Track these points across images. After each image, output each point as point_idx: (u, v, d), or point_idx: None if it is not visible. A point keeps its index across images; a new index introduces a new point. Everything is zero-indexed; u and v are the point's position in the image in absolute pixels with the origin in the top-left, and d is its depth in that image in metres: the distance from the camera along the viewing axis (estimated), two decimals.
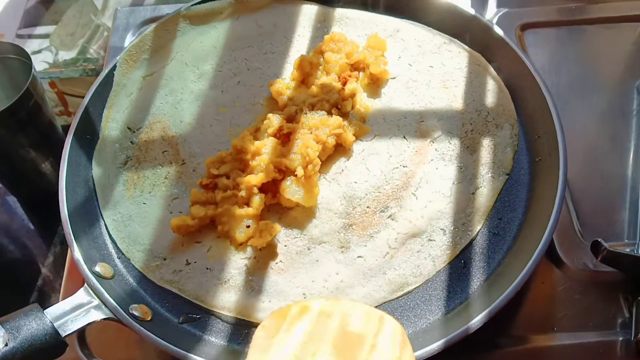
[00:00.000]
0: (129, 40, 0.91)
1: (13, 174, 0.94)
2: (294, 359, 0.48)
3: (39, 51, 1.11)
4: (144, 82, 0.78)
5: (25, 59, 0.84)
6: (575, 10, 0.92)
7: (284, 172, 0.67)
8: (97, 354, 0.64)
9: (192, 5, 0.83)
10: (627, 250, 0.69)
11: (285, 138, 0.69)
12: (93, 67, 1.08)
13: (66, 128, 0.96)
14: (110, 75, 0.77)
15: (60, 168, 0.68)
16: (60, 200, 0.65)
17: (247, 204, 0.65)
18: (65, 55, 1.09)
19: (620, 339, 0.63)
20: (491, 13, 0.92)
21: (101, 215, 0.68)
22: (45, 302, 0.87)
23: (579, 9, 0.92)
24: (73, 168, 0.69)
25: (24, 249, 1.09)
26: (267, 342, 0.49)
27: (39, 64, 1.08)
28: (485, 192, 0.67)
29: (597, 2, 0.94)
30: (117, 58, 0.78)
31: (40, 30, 1.15)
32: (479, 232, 0.65)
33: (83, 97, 1.10)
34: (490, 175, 0.68)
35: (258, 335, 0.49)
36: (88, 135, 0.73)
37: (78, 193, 0.68)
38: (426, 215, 0.66)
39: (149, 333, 0.57)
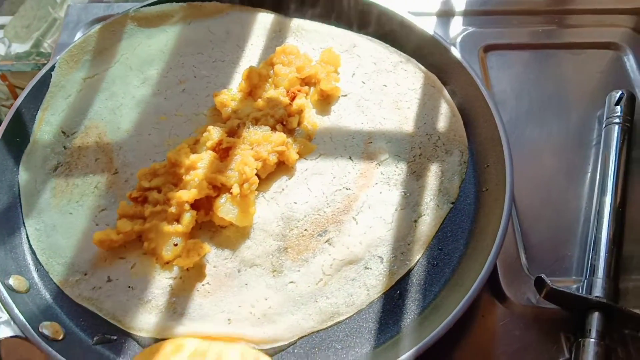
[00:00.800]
0: (78, 37, 0.87)
1: None
2: None
3: None
4: (84, 84, 0.75)
5: None
6: (542, 34, 0.90)
7: (219, 188, 0.64)
8: None
9: (142, 7, 0.79)
10: (574, 287, 0.66)
11: (224, 153, 0.66)
12: (45, 61, 1.04)
13: None
14: (47, 76, 0.73)
15: None
16: None
17: (177, 221, 0.62)
18: (18, 47, 1.05)
19: None
20: (455, 31, 0.90)
21: (23, 223, 0.65)
22: None
23: (546, 33, 0.90)
24: None
25: None
26: None
27: None
28: (427, 220, 0.65)
29: (566, 26, 0.92)
30: (57, 58, 0.74)
31: None
32: (417, 262, 0.62)
33: None
34: (434, 203, 0.66)
35: None
36: (18, 137, 0.69)
37: (0, 199, 0.64)
38: (365, 241, 0.63)
39: (57, 354, 0.54)
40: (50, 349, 0.54)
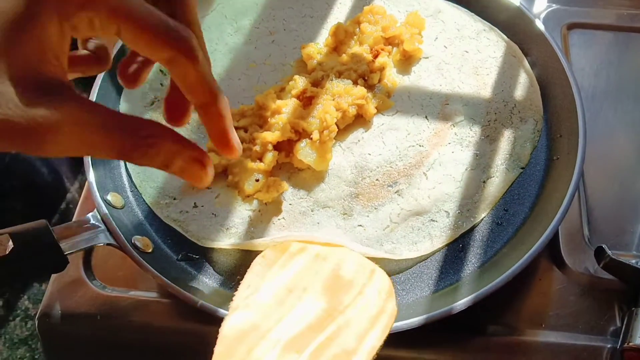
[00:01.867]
0: None
1: None
2: (284, 290, 0.52)
3: None
4: None
5: None
6: (626, 17, 0.90)
7: (300, 133, 0.68)
8: (99, 277, 0.68)
9: None
10: (633, 262, 0.68)
11: (307, 101, 0.71)
12: None
13: None
14: None
15: (90, 97, 0.71)
16: None
17: (260, 159, 0.67)
18: None
19: (608, 346, 0.63)
20: (540, 7, 0.91)
21: None
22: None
23: (631, 16, 0.90)
24: (102, 100, 0.72)
25: (54, 173, 1.14)
26: (263, 270, 0.52)
27: None
28: (496, 182, 0.67)
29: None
30: None
31: None
32: (482, 219, 0.65)
33: None
34: (504, 166, 0.68)
35: (257, 262, 0.53)
36: None
37: None
38: (433, 195, 0.66)
39: (146, 264, 0.60)
40: (141, 259, 0.60)
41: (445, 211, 0.65)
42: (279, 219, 0.66)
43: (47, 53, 0.37)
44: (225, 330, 0.48)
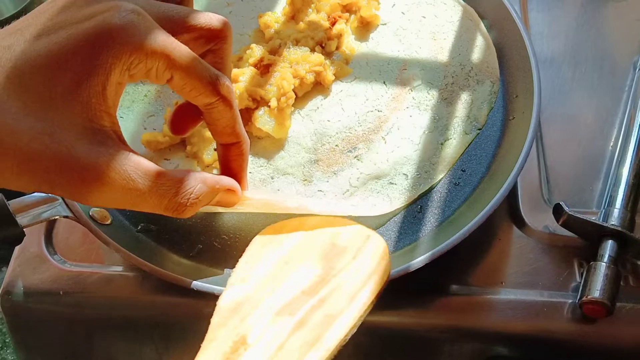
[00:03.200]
0: None
1: None
2: (281, 263, 0.52)
3: None
4: None
5: None
6: None
7: (259, 102, 0.68)
8: (60, 253, 0.67)
9: None
10: (592, 218, 0.69)
11: (264, 69, 0.70)
12: None
13: None
14: None
15: None
16: None
17: None
18: None
19: (569, 301, 0.64)
20: None
21: None
22: None
23: None
24: None
25: None
26: (261, 247, 0.54)
27: None
28: (454, 143, 0.68)
29: None
30: None
31: None
32: (440, 180, 0.66)
33: None
34: (462, 128, 0.69)
35: (255, 240, 0.54)
36: None
37: None
38: (391, 159, 0.67)
39: (106, 236, 0.59)
40: (99, 230, 0.60)
41: (404, 174, 0.66)
42: None
43: (106, 102, 0.40)
44: (222, 303, 0.50)
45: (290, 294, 0.51)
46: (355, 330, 0.49)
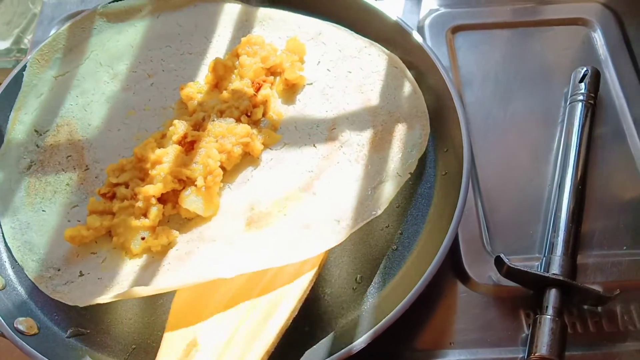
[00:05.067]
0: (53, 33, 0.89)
1: None
2: None
3: None
4: (55, 83, 0.76)
5: None
6: (509, 13, 0.91)
7: (185, 182, 0.66)
8: None
9: (109, 3, 0.80)
10: (534, 265, 0.68)
11: (189, 146, 0.68)
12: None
13: None
14: (19, 76, 0.75)
15: None
16: None
17: (145, 215, 0.64)
18: None
19: (520, 356, 0.63)
20: (424, 12, 0.91)
21: None
22: None
23: (513, 12, 0.91)
24: None
25: None
26: None
27: None
28: (387, 186, 0.66)
29: (535, 3, 0.92)
30: (27, 57, 0.76)
31: None
32: (373, 217, 0.63)
33: None
34: (394, 173, 0.67)
35: None
36: None
37: None
38: (322, 209, 0.64)
39: (30, 348, 0.56)
40: (25, 344, 0.57)
41: (335, 220, 0.63)
42: (164, 265, 0.62)
43: None
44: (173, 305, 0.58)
45: (233, 290, 0.55)
46: (300, 305, 0.53)
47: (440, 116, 0.71)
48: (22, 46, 1.06)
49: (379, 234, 0.65)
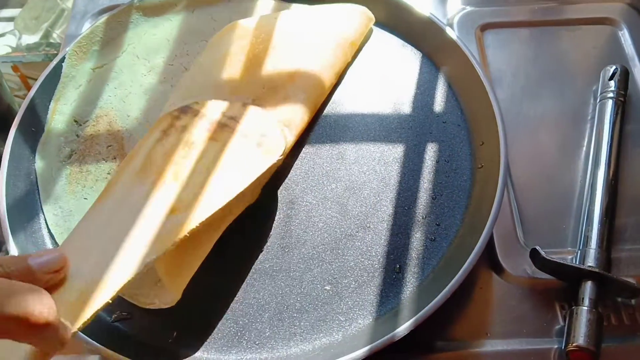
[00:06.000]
0: (86, 28, 0.90)
1: None
2: None
3: (2, 35, 1.10)
4: (94, 75, 0.77)
5: None
6: (537, 11, 0.92)
7: None
8: None
9: None
10: (569, 257, 0.69)
11: None
12: (56, 52, 1.07)
13: None
14: (58, 67, 0.76)
15: (2, 160, 0.68)
16: None
17: None
18: (28, 39, 1.08)
19: (555, 347, 0.64)
20: (453, 11, 0.92)
21: (42, 209, 0.68)
22: None
23: (541, 11, 0.92)
24: (15, 161, 0.69)
25: None
26: None
27: (2, 47, 1.07)
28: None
29: (562, 3, 0.93)
30: (66, 49, 0.77)
31: (5, 12, 1.13)
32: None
33: None
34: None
35: None
36: (33, 127, 0.72)
37: (19, 187, 0.68)
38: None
39: (81, 333, 0.57)
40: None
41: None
42: None
43: None
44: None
45: None
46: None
47: (474, 110, 0.72)
48: (51, 40, 1.08)
49: (416, 225, 0.66)
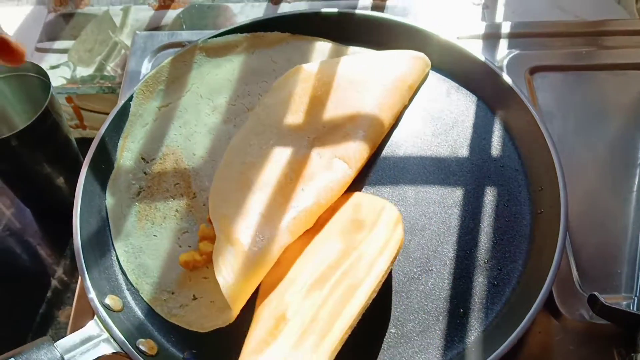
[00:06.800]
0: (145, 65, 0.93)
1: (28, 188, 0.97)
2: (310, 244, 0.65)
3: (56, 66, 1.13)
4: (159, 113, 0.80)
5: (43, 77, 0.87)
6: (585, 55, 0.94)
7: None
8: None
9: (209, 38, 0.85)
10: (624, 303, 0.70)
11: None
12: (110, 84, 1.11)
13: (80, 141, 0.99)
14: (126, 106, 0.79)
15: (75, 197, 0.70)
16: (74, 231, 0.67)
17: None
18: (82, 71, 1.12)
19: None
20: (502, 54, 0.94)
21: (113, 246, 0.70)
22: (53, 316, 0.89)
23: (589, 54, 0.94)
24: (87, 197, 0.71)
25: (35, 258, 1.12)
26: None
27: (57, 79, 1.10)
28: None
29: (606, 48, 0.95)
30: (134, 89, 0.80)
31: (59, 44, 1.17)
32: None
33: (99, 112, 1.13)
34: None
35: None
36: (103, 164, 0.75)
37: (91, 223, 0.70)
38: None
39: None
40: None
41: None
42: None
43: None
44: (262, 284, 0.62)
45: (319, 270, 0.60)
46: (375, 295, 0.58)
47: (532, 155, 0.74)
48: (105, 73, 1.11)
49: (479, 269, 0.67)
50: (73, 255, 0.90)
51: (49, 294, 1.09)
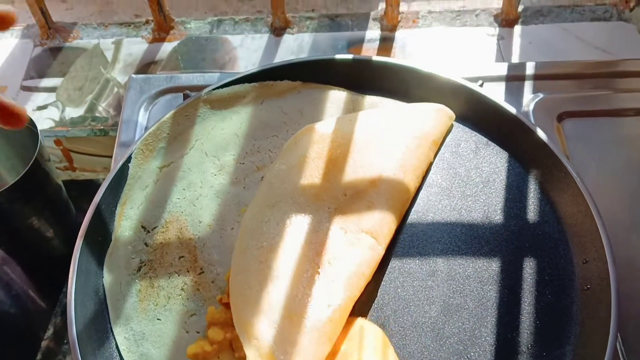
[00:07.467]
0: (142, 114, 0.86)
1: (16, 243, 0.91)
2: None
3: (44, 107, 1.05)
4: (161, 174, 0.73)
5: (30, 126, 0.80)
6: (614, 99, 0.88)
7: None
8: None
9: (213, 89, 0.77)
10: None
11: None
12: (102, 127, 1.03)
13: (70, 184, 0.92)
14: (123, 169, 0.71)
15: (69, 278, 0.62)
16: (68, 321, 0.60)
17: None
18: (72, 112, 1.04)
19: None
20: (527, 98, 0.88)
21: (112, 332, 0.63)
22: None
23: (619, 98, 0.88)
24: (83, 277, 0.63)
25: (25, 314, 1.04)
26: None
27: (45, 121, 1.03)
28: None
29: (631, 91, 0.89)
30: (133, 148, 0.72)
31: (46, 82, 1.09)
32: None
33: (89, 155, 1.06)
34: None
35: None
36: (99, 237, 0.67)
37: (87, 307, 0.63)
38: None
39: None
40: None
41: None
42: None
43: None
44: None
45: None
46: None
47: (573, 221, 0.68)
48: (97, 114, 1.03)
49: (522, 355, 0.61)
50: (63, 311, 0.83)
51: (39, 356, 1.01)
